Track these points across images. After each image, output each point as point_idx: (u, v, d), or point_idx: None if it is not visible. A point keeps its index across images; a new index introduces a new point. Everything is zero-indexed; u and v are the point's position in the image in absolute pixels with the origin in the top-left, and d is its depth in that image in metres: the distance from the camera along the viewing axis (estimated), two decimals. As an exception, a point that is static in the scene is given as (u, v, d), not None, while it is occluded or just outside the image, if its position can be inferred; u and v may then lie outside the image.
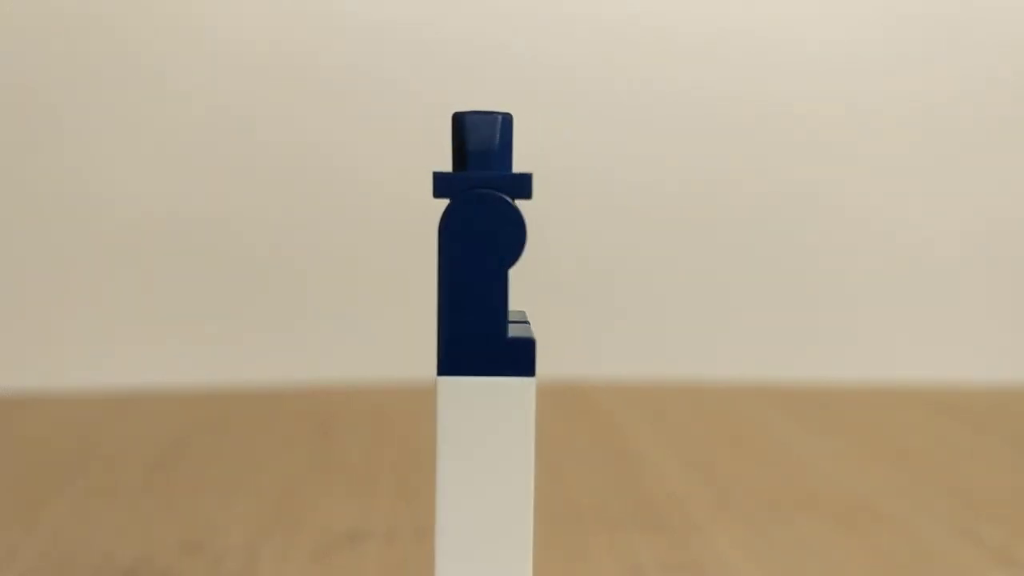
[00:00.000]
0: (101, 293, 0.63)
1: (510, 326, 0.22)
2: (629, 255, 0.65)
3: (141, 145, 0.63)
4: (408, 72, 0.63)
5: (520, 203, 0.22)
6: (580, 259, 0.63)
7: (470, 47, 0.64)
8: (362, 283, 0.64)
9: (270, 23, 0.63)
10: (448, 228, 0.22)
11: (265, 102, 0.63)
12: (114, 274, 0.63)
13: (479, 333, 0.22)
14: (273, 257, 0.64)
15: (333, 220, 0.64)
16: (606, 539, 0.37)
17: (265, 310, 0.64)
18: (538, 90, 0.64)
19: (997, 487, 0.44)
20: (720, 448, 0.50)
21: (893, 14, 0.65)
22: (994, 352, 0.67)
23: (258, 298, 0.64)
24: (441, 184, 0.22)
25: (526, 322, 0.24)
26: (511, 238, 0.22)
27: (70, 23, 0.62)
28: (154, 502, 0.41)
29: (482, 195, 0.22)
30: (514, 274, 0.22)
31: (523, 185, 0.22)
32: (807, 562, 0.35)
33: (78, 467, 0.46)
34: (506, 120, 0.22)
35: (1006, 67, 0.66)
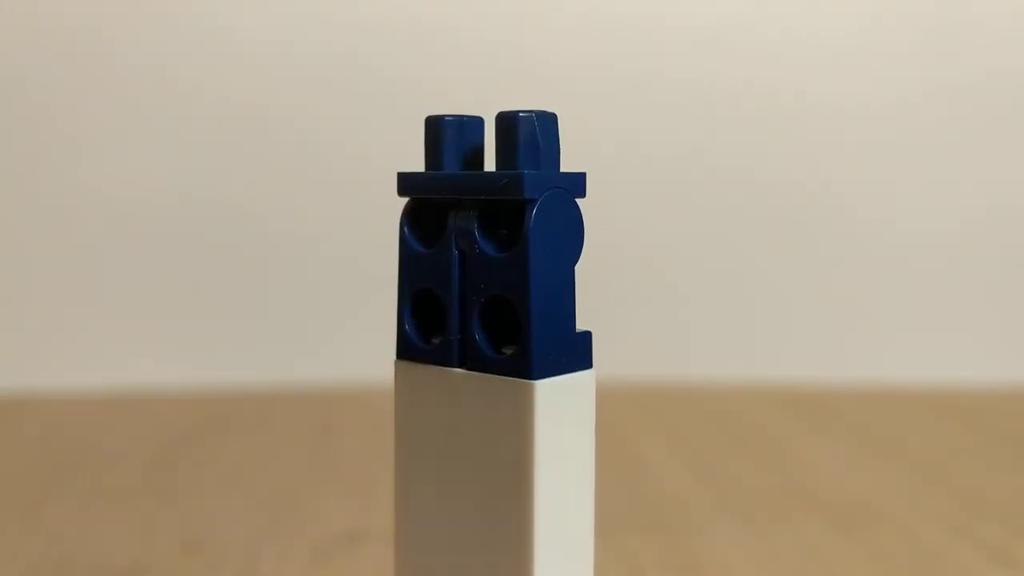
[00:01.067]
0: (101, 293, 0.63)
1: None
2: (627, 255, 0.65)
3: (142, 146, 0.63)
4: (410, 70, 0.63)
5: None
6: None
7: (467, 45, 0.64)
8: (362, 283, 0.64)
9: (273, 17, 0.63)
10: (538, 229, 0.21)
11: (266, 103, 0.63)
12: (114, 274, 0.63)
13: (562, 331, 0.22)
14: (273, 257, 0.64)
15: (334, 220, 0.64)
16: (606, 539, 0.37)
17: (265, 310, 0.64)
18: (530, 88, 0.64)
19: (996, 487, 0.44)
20: (720, 448, 0.50)
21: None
22: (994, 352, 0.67)
23: (259, 298, 0.64)
24: (531, 184, 0.21)
25: None
26: (577, 236, 0.23)
27: (72, 20, 0.62)
28: (154, 502, 0.41)
29: (562, 194, 0.22)
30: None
31: (582, 184, 0.23)
32: (807, 562, 0.35)
33: (78, 467, 0.46)
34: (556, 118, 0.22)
35: (1015, 62, 0.66)
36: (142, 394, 0.61)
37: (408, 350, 0.24)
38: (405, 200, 0.24)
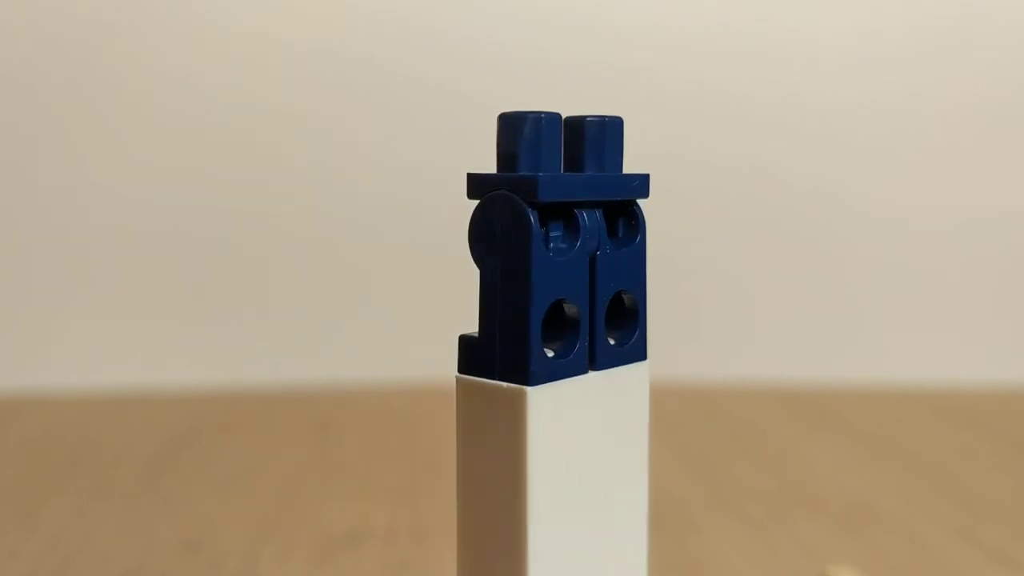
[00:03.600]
0: (101, 293, 0.63)
1: None
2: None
3: (142, 146, 0.63)
4: (414, 68, 0.63)
5: None
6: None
7: (482, 45, 0.64)
8: (363, 283, 0.64)
9: (273, 16, 0.63)
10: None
11: (270, 100, 0.63)
12: (114, 274, 0.63)
13: None
14: (274, 257, 0.64)
15: (334, 220, 0.64)
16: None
17: (265, 310, 0.64)
18: (525, 88, 0.64)
19: (996, 488, 0.44)
20: (720, 448, 0.50)
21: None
22: (994, 352, 0.67)
23: (259, 298, 0.64)
24: (643, 185, 0.24)
25: None
26: None
27: (74, 21, 0.62)
28: (154, 502, 0.41)
29: None
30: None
31: None
32: (807, 562, 0.35)
33: (78, 467, 0.46)
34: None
35: (1018, 62, 0.66)
36: (142, 394, 0.61)
37: (542, 375, 0.21)
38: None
